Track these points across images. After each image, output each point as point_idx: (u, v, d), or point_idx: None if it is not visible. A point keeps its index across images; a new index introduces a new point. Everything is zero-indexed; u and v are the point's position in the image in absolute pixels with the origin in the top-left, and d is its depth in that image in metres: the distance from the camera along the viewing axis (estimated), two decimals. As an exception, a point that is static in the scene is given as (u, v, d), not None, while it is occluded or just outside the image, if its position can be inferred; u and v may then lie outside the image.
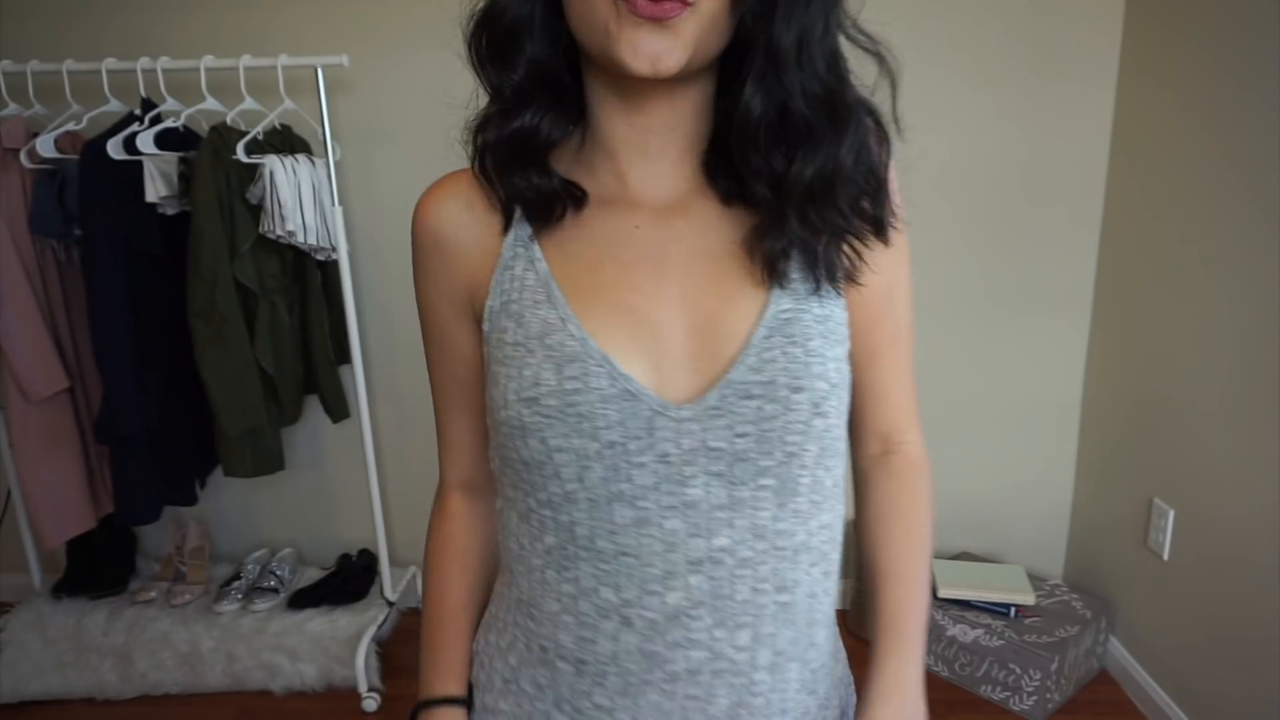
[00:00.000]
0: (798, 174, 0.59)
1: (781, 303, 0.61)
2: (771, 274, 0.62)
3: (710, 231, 0.64)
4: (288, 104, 1.94)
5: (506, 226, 0.65)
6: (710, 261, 0.63)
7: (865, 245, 0.63)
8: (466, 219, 0.65)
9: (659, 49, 0.55)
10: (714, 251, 0.63)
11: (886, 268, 0.65)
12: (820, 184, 0.59)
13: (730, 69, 0.60)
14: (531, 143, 0.62)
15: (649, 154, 0.64)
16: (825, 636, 0.69)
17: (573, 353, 0.60)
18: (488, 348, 0.64)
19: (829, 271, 0.62)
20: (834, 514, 0.66)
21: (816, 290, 0.62)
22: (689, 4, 0.54)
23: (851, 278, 0.63)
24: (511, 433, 0.62)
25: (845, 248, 0.63)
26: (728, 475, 0.60)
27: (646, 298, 0.62)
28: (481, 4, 0.61)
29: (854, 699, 0.74)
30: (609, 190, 0.64)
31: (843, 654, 0.76)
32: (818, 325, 0.61)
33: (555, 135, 0.63)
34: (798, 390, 0.60)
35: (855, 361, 0.66)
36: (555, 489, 0.62)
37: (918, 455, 0.75)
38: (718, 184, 0.64)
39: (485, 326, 0.65)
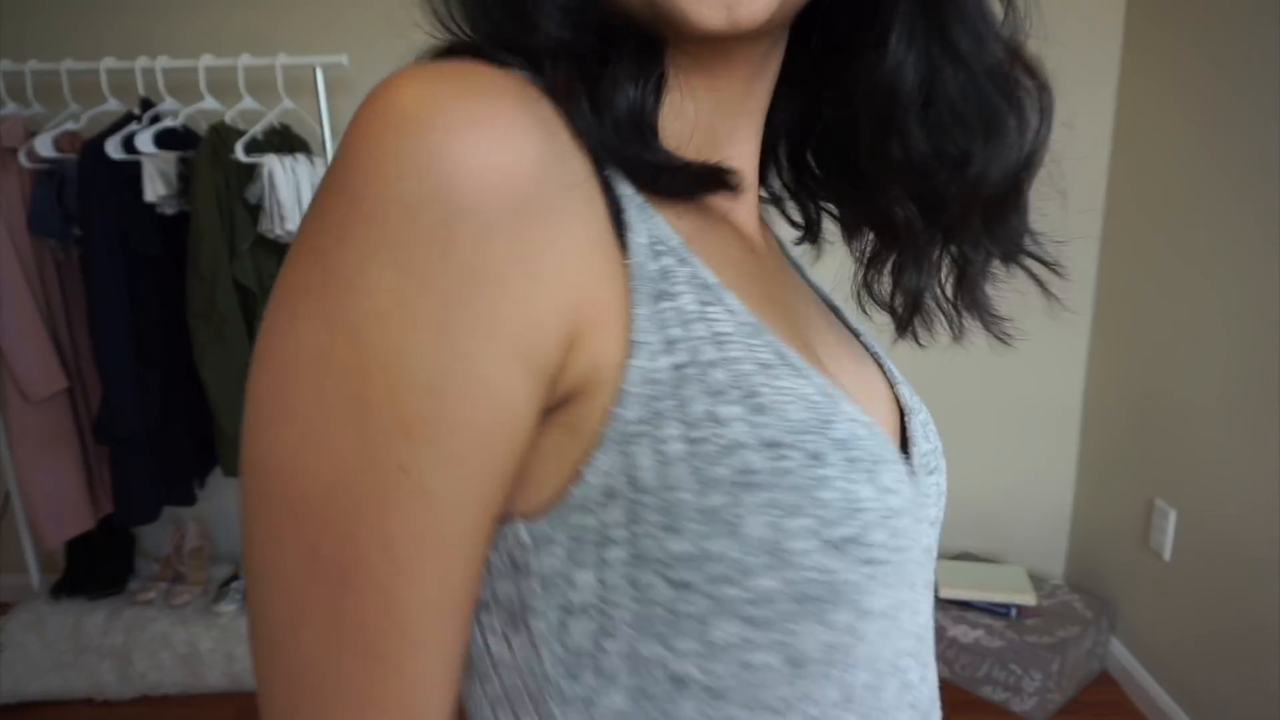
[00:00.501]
0: (979, 174, 0.41)
1: (881, 354, 0.49)
2: (902, 324, 0.47)
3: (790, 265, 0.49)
4: (287, 104, 1.94)
5: (615, 212, 0.34)
6: (815, 297, 0.47)
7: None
8: (564, 175, 0.32)
9: None
10: (809, 284, 0.48)
11: None
12: (1004, 191, 0.43)
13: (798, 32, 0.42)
14: (647, 122, 0.36)
15: (736, 139, 0.42)
16: None
17: (877, 452, 0.35)
18: (662, 455, 0.32)
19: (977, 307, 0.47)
20: None
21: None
22: None
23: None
24: (795, 611, 0.33)
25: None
26: (929, 581, 0.41)
27: (842, 347, 0.44)
28: None
29: None
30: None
31: None
32: None
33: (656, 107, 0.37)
34: (943, 457, 0.46)
35: None
36: (834, 691, 0.36)
37: None
38: (789, 202, 0.50)
39: (634, 412, 0.32)
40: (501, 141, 0.30)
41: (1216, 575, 1.77)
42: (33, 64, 1.89)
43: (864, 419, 0.36)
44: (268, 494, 0.29)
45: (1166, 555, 1.92)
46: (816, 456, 0.33)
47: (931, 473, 0.42)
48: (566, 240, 0.31)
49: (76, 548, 2.25)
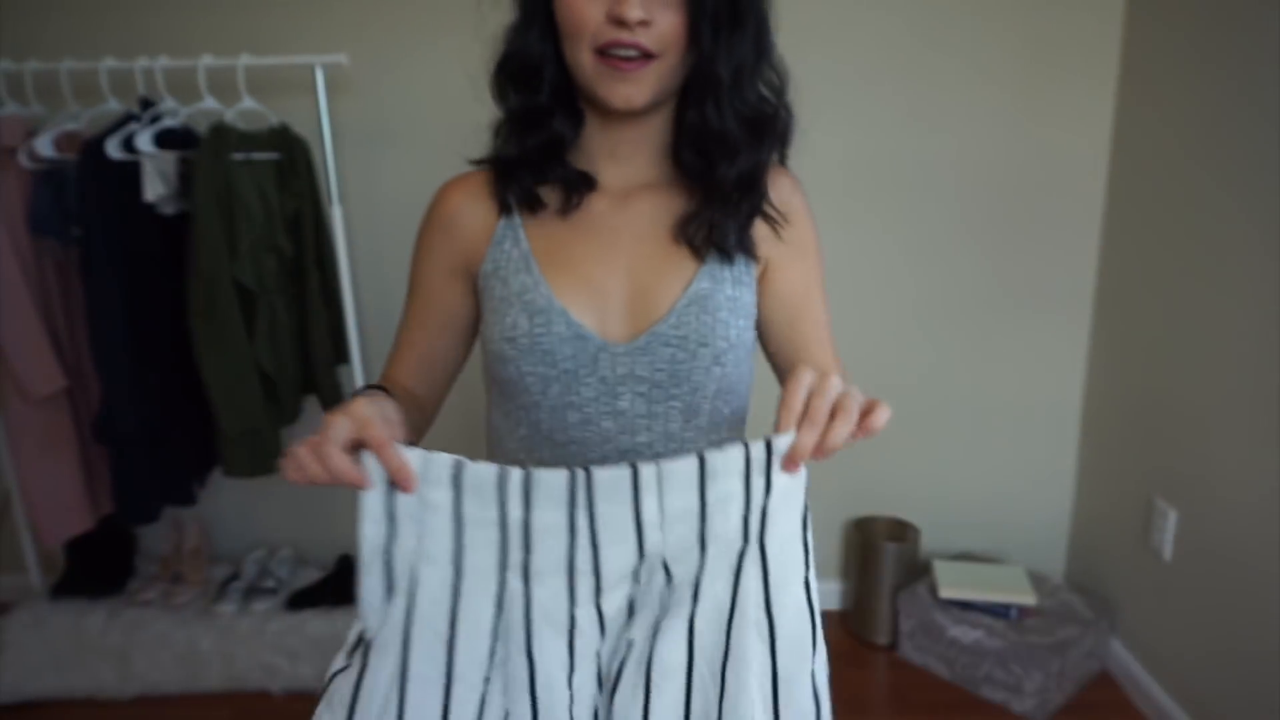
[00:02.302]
0: (724, 175, 0.80)
1: (701, 282, 0.82)
2: (695, 255, 0.82)
3: (658, 218, 0.84)
4: (246, 102, 1.94)
5: (502, 212, 0.84)
6: (653, 242, 0.83)
7: (772, 231, 0.85)
8: (472, 207, 0.85)
9: (630, 93, 0.74)
10: (657, 234, 0.83)
11: (802, 274, 0.87)
12: (742, 182, 0.80)
13: (695, 90, 0.78)
14: (559, 145, 0.81)
15: (618, 157, 0.84)
16: None
17: (540, 307, 0.80)
18: (481, 300, 0.86)
19: (742, 248, 0.82)
20: (732, 434, 0.89)
21: (731, 270, 0.82)
22: (652, 59, 0.72)
23: (750, 253, 0.84)
24: (496, 360, 0.83)
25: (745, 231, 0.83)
26: (648, 395, 0.82)
27: (600, 268, 0.83)
28: (505, 46, 0.79)
29: None
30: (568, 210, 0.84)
31: None
32: (727, 302, 0.82)
33: (571, 138, 0.81)
34: (703, 345, 0.81)
35: (784, 339, 0.87)
36: (525, 399, 0.84)
37: None
38: (685, 177, 0.84)
39: (480, 284, 0.85)
40: (450, 201, 0.86)
41: (1216, 575, 1.77)
42: (32, 64, 1.89)
43: (545, 295, 0.80)
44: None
45: (1166, 555, 1.92)
46: (510, 304, 0.81)
47: (667, 345, 0.80)
48: (466, 233, 0.85)
49: (76, 547, 2.25)
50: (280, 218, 1.96)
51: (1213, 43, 1.75)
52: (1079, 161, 2.15)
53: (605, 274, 0.81)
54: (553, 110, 0.79)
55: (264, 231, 1.93)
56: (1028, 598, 2.08)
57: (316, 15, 2.12)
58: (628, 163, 0.84)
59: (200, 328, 1.89)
